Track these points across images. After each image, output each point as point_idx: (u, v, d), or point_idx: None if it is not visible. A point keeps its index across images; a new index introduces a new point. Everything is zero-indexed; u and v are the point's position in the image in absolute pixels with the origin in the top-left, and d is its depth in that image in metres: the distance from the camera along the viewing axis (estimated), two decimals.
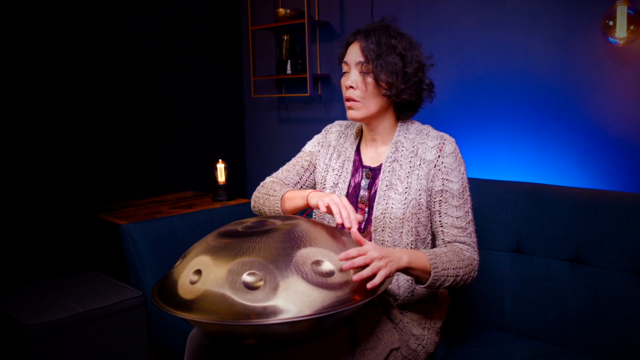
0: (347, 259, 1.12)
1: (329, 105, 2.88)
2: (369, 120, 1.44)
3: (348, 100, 1.41)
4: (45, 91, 2.36)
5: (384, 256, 1.17)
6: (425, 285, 1.28)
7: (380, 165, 1.45)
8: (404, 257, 1.22)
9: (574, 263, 1.58)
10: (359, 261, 1.12)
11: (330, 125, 1.63)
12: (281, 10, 2.80)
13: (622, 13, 1.75)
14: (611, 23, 1.78)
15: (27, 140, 2.32)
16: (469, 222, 1.38)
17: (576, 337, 1.53)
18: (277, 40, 3.07)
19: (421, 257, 1.26)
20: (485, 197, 1.77)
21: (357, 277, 1.10)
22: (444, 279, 1.28)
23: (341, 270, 1.11)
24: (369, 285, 1.10)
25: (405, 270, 1.24)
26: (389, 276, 1.17)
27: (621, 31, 1.76)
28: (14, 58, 2.27)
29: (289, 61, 2.89)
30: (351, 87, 1.39)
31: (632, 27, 1.75)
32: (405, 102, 1.41)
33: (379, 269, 1.13)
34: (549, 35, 2.02)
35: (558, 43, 2.01)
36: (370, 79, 1.37)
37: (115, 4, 2.73)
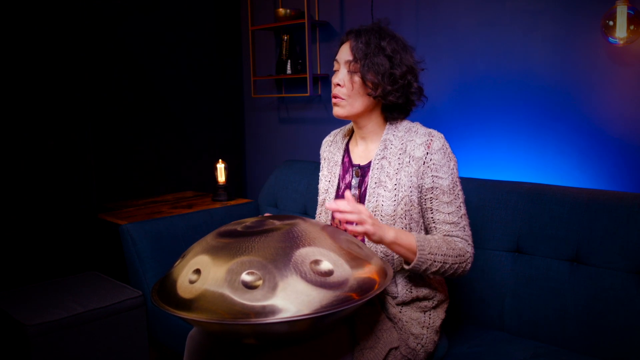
0: (338, 210, 1.21)
1: (329, 105, 2.88)
2: (355, 119, 1.47)
3: (334, 97, 1.44)
4: (45, 91, 2.36)
5: (375, 223, 1.24)
6: (410, 266, 1.30)
7: (370, 163, 1.46)
8: (391, 231, 1.28)
9: (574, 263, 1.58)
10: (351, 217, 1.21)
11: (324, 140, 1.67)
12: (281, 10, 2.80)
13: (622, 13, 1.75)
14: (611, 23, 1.78)
15: (27, 140, 2.32)
16: (461, 217, 1.39)
17: (576, 337, 1.53)
18: (277, 40, 3.07)
19: (409, 237, 1.30)
20: (485, 197, 1.76)
21: (340, 216, 1.21)
22: (430, 262, 1.30)
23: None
24: (343, 223, 1.24)
25: (392, 245, 1.28)
26: (369, 235, 1.23)
27: (621, 31, 1.76)
28: (14, 58, 2.27)
29: (289, 61, 2.89)
30: (338, 84, 1.42)
31: (632, 27, 1.75)
32: (392, 103, 1.42)
33: (364, 222, 1.21)
34: (549, 35, 2.02)
35: (558, 43, 2.00)
36: (357, 78, 1.40)
37: (115, 4, 2.73)
